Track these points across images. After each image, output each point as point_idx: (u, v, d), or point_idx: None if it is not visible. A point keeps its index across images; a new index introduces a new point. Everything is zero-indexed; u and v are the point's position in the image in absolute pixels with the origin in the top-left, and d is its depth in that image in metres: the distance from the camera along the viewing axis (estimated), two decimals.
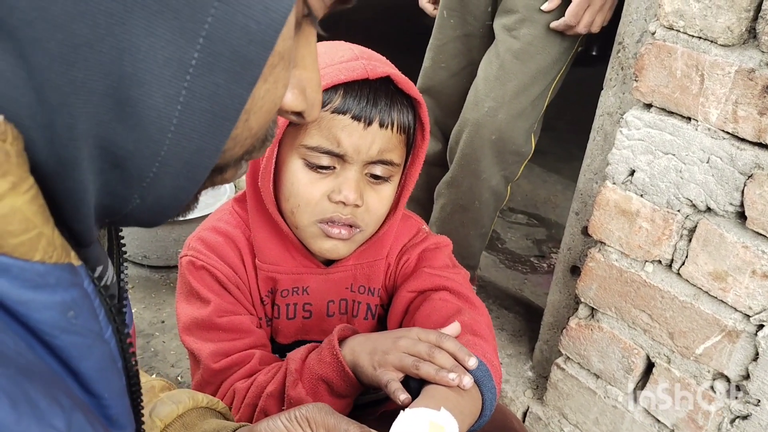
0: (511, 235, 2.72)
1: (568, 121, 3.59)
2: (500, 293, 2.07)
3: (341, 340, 0.88)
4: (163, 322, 2.05)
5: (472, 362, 0.79)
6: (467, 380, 0.77)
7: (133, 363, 0.47)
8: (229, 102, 0.38)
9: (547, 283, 2.40)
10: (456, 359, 0.80)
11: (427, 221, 1.94)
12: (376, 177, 0.92)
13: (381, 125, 0.88)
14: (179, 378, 1.82)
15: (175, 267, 1.09)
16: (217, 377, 0.95)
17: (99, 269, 0.44)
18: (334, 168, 0.90)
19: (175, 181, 0.40)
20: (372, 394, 1.09)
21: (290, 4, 0.37)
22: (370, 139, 0.87)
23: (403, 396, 0.77)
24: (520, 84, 1.64)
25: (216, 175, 0.45)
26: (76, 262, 0.37)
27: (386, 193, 0.95)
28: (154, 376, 1.81)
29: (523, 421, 1.59)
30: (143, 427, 0.54)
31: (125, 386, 0.45)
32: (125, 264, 0.53)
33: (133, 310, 2.13)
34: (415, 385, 0.80)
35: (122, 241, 0.54)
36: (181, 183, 0.41)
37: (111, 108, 0.35)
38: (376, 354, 0.83)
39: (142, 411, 0.54)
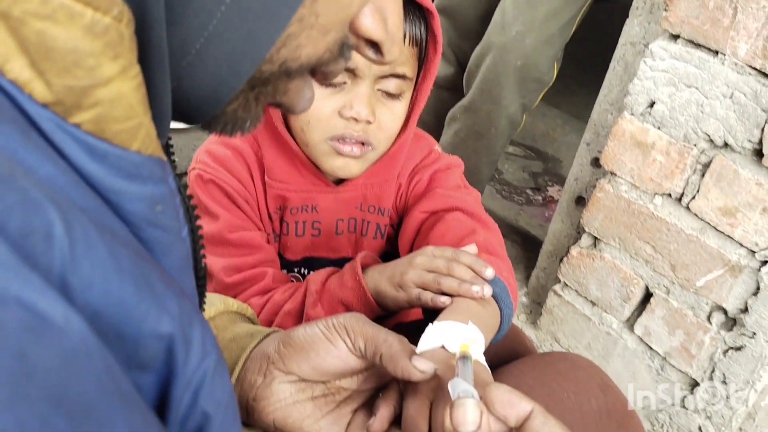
0: (509, 166, 2.73)
1: (570, 57, 3.55)
2: (497, 222, 2.08)
3: (364, 268, 0.89)
4: None
5: (489, 273, 0.80)
6: (488, 290, 0.78)
7: (203, 265, 0.47)
8: None
9: (542, 215, 2.42)
10: (473, 271, 0.81)
11: None
12: (388, 94, 0.91)
13: None
14: None
15: (185, 175, 1.07)
16: (230, 291, 0.95)
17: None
18: (345, 83, 0.88)
19: (217, 68, 0.37)
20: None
21: None
22: None
23: (443, 297, 0.78)
24: (550, 8, 1.60)
25: (281, 81, 0.41)
26: (163, 156, 0.36)
27: (398, 109, 0.93)
28: None
29: None
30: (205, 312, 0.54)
31: (195, 287, 0.44)
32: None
33: None
34: (429, 313, 0.81)
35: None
36: (224, 73, 0.37)
37: None
38: (395, 276, 0.84)
39: (204, 312, 0.54)
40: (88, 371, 0.23)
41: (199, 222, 0.96)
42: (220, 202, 0.95)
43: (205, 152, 0.97)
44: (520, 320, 1.65)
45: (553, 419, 0.49)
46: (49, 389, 0.22)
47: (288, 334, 0.65)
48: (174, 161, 0.54)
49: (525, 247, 1.95)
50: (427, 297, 0.79)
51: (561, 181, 2.66)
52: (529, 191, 2.58)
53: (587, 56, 2.84)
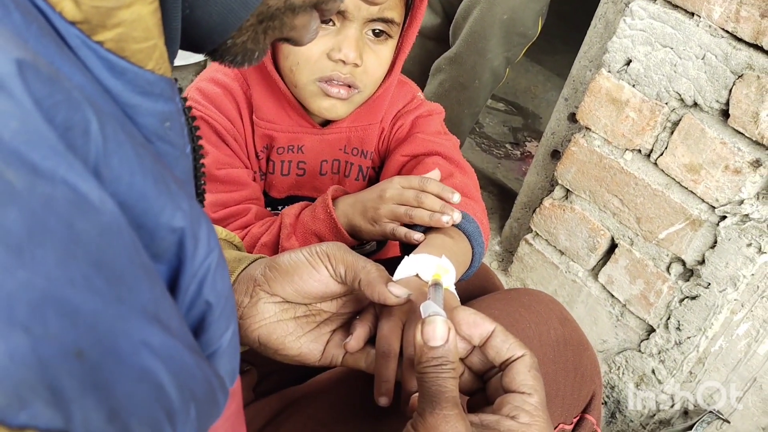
0: (489, 120, 2.77)
1: (555, 14, 3.55)
2: (475, 173, 2.14)
3: (334, 200, 0.93)
4: None
5: (456, 198, 0.85)
6: (457, 215, 0.84)
7: (203, 183, 0.50)
8: None
9: (519, 169, 2.48)
10: (441, 198, 0.86)
11: None
12: (375, 37, 0.93)
13: None
14: None
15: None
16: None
17: None
18: (334, 25, 0.91)
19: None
20: (357, 249, 1.16)
21: None
22: None
23: (417, 234, 0.83)
24: None
25: (287, 16, 0.44)
26: (173, 78, 0.39)
27: (384, 54, 0.96)
28: None
29: None
30: None
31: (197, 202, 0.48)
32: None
33: None
34: (406, 247, 0.86)
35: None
36: (233, 3, 0.40)
37: None
38: (368, 211, 0.88)
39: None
40: (120, 244, 0.28)
41: (200, 142, 0.99)
42: (209, 139, 0.98)
43: (195, 89, 1.00)
44: (492, 267, 1.72)
45: (512, 337, 0.55)
46: (92, 254, 0.26)
47: (274, 260, 0.69)
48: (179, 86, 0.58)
49: (501, 198, 2.01)
50: (401, 232, 0.84)
51: (540, 137, 2.71)
52: (508, 145, 2.63)
53: (572, 14, 2.87)
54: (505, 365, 0.54)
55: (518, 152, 2.61)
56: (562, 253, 1.50)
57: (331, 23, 0.90)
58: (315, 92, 0.94)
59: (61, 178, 0.26)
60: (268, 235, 0.95)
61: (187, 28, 0.41)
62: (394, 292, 0.63)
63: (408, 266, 0.75)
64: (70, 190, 0.26)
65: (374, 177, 1.12)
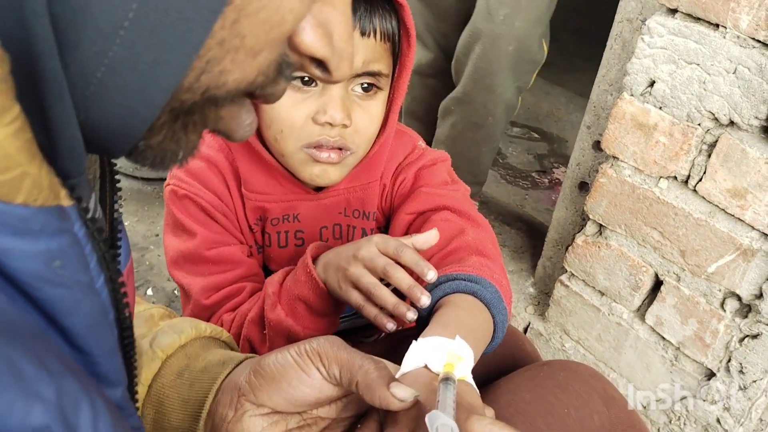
0: (512, 149, 2.66)
1: (572, 31, 3.46)
2: (501, 209, 2.03)
3: (315, 258, 0.84)
4: (157, 235, 2.01)
5: (430, 276, 0.74)
6: (425, 300, 0.73)
7: (127, 315, 0.42)
8: None
9: (548, 199, 2.36)
10: (415, 272, 0.75)
11: (429, 137, 1.87)
12: (364, 89, 0.85)
13: (363, 33, 0.81)
14: (175, 292, 1.80)
15: (163, 181, 1.03)
16: (208, 312, 0.91)
17: (92, 202, 0.39)
18: (316, 85, 0.83)
19: (124, 99, 0.32)
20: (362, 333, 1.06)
21: None
22: None
23: (390, 325, 0.75)
24: None
25: (208, 109, 0.37)
26: (67, 202, 0.32)
27: (375, 109, 0.88)
28: (149, 291, 1.79)
29: None
30: (136, 364, 0.50)
31: (117, 339, 0.40)
32: (119, 194, 0.47)
33: (127, 223, 2.10)
34: (425, 309, 0.76)
35: (115, 168, 0.47)
36: (133, 103, 0.33)
37: None
38: (339, 271, 0.79)
39: (135, 365, 0.49)
40: None
41: (170, 241, 0.92)
42: (196, 218, 0.91)
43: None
44: (528, 312, 1.60)
45: None
46: None
47: (259, 362, 0.61)
48: (117, 180, 0.49)
49: (530, 235, 1.89)
50: (370, 313, 0.75)
51: (567, 161, 2.60)
52: (534, 174, 2.52)
53: (590, 30, 2.77)
54: None
55: (546, 180, 2.49)
56: (602, 293, 1.38)
57: (313, 84, 0.82)
58: (304, 160, 0.86)
59: None
60: (254, 310, 0.87)
61: (87, 134, 0.34)
62: (398, 395, 0.54)
63: (416, 354, 0.65)
64: None
65: None
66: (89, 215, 0.37)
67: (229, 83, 0.35)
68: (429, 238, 0.80)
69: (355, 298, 0.77)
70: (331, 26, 0.39)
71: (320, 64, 0.40)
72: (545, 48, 1.64)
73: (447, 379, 0.58)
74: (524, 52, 1.58)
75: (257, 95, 0.39)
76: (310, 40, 0.38)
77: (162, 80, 0.33)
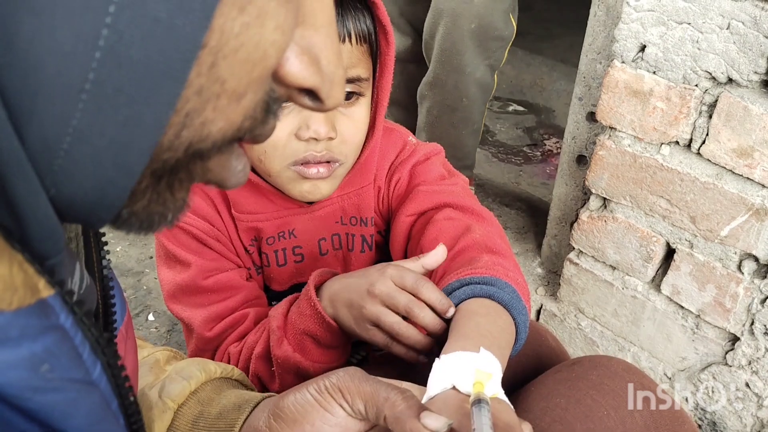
0: (500, 125, 2.62)
1: None
2: (498, 189, 1.99)
3: (319, 287, 0.80)
4: (151, 257, 1.96)
5: (450, 313, 0.72)
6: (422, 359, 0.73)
7: (132, 400, 0.38)
8: (179, 33, 0.26)
9: (543, 172, 2.32)
10: (435, 310, 0.72)
11: (413, 123, 1.83)
12: (345, 97, 0.81)
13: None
14: None
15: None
16: (212, 344, 0.87)
17: (76, 275, 0.35)
18: None
19: (97, 168, 0.29)
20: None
21: None
22: None
23: (421, 358, 0.72)
24: None
25: (194, 164, 0.33)
26: (47, 291, 0.29)
27: (359, 116, 0.83)
28: (150, 317, 1.74)
29: (537, 319, 1.55)
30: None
31: (124, 427, 0.36)
32: (108, 257, 0.43)
33: (118, 249, 2.04)
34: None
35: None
36: (108, 172, 0.29)
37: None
38: (353, 308, 0.75)
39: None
40: None
41: (164, 274, 0.87)
42: (188, 247, 0.87)
43: None
44: (539, 294, 1.56)
45: None
46: None
47: (277, 404, 0.58)
48: (103, 243, 0.46)
49: (531, 213, 1.85)
50: (399, 351, 0.73)
51: (558, 132, 2.56)
52: (525, 149, 2.48)
53: None
54: None
55: (538, 153, 2.45)
56: (614, 268, 1.34)
57: None
58: (292, 177, 0.82)
59: None
60: (261, 345, 0.83)
61: (62, 209, 0.30)
62: (431, 426, 0.50)
63: (441, 375, 0.61)
64: None
65: (382, 242, 0.99)
66: (75, 298, 0.33)
67: (214, 134, 0.31)
68: (438, 256, 0.77)
69: (380, 338, 0.73)
70: (317, 51, 0.34)
71: (309, 92, 0.36)
72: (513, 23, 1.60)
73: (479, 401, 0.54)
74: (488, 29, 1.54)
75: (245, 139, 0.35)
76: (297, 70, 0.34)
77: (137, 143, 0.29)
